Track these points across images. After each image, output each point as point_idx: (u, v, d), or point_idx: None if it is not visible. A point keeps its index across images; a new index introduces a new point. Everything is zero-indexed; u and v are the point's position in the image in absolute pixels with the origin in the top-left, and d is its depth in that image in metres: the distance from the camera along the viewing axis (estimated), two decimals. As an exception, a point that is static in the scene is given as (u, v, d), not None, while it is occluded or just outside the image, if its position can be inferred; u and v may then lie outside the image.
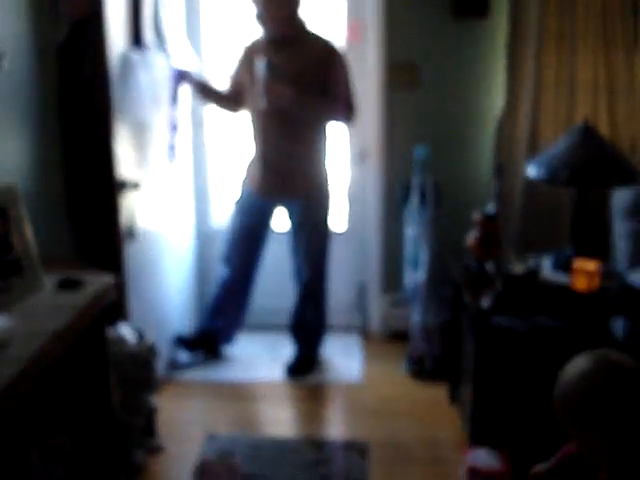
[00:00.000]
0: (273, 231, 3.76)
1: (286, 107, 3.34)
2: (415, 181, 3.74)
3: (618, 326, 3.06)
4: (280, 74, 3.32)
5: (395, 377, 3.70)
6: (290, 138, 3.47)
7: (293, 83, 3.32)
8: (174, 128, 3.53)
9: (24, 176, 2.55)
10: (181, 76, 3.48)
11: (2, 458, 2.06)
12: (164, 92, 3.41)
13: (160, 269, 3.52)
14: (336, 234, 3.90)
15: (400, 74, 3.84)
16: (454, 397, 3.42)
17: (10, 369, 1.57)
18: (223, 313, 3.81)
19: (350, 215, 4.18)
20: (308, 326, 3.81)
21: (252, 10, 3.38)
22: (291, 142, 3.48)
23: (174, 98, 3.49)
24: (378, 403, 3.45)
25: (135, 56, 3.06)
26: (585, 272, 2.86)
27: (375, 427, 3.23)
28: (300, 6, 3.40)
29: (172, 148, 3.53)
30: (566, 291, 2.92)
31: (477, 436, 2.87)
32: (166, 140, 3.49)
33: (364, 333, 4.20)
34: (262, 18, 3.37)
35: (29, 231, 2.03)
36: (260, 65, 3.32)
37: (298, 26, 3.43)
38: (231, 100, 3.63)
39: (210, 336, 3.84)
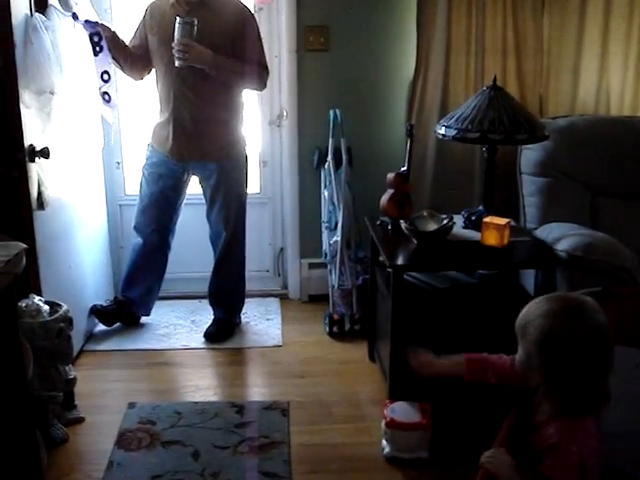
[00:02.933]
0: (186, 196, 3.71)
1: (203, 67, 3.29)
2: (329, 144, 3.75)
3: (529, 279, 3.17)
4: (196, 33, 3.24)
5: (315, 338, 3.74)
6: (204, 100, 3.41)
7: (205, 43, 3.26)
8: (105, 75, 3.42)
9: None
10: (92, 26, 3.35)
11: None
12: (70, 57, 3.30)
13: (72, 239, 3.44)
14: (253, 199, 3.89)
15: (313, 36, 3.82)
16: (373, 355, 3.48)
17: None
18: (139, 282, 3.76)
19: (266, 180, 4.16)
20: (227, 292, 3.79)
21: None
22: (205, 104, 3.41)
23: (95, 47, 3.38)
24: (299, 364, 3.48)
25: (39, 20, 2.94)
26: (495, 227, 2.94)
27: (296, 387, 3.27)
28: None
29: (107, 96, 3.45)
30: (478, 246, 2.99)
31: (396, 391, 2.93)
32: (98, 88, 3.40)
33: (283, 297, 4.22)
34: None
35: None
36: (178, 23, 3.24)
37: None
38: (135, 60, 3.51)
39: (127, 305, 3.79)
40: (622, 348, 2.00)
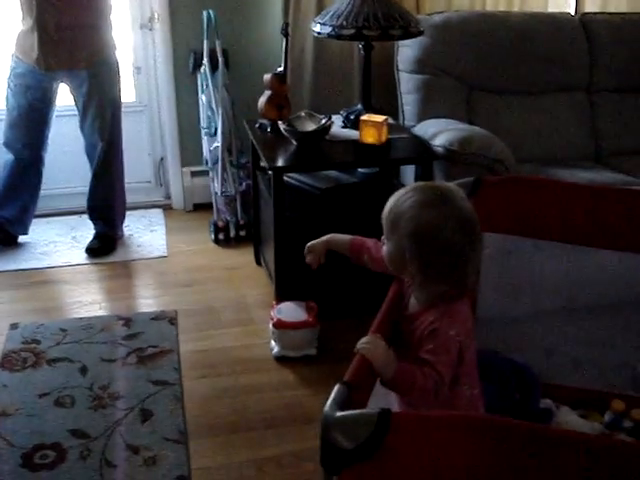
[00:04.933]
0: (57, 108, 3.54)
1: None
2: (205, 46, 3.63)
3: (409, 175, 3.21)
4: None
5: (201, 247, 3.71)
6: (69, 3, 3.23)
7: None
8: None
9: None
10: None
11: None
12: None
13: None
14: (128, 108, 3.75)
15: None
16: (259, 260, 3.49)
17: None
18: (13, 200, 3.60)
19: (141, 87, 4.01)
20: (106, 205, 3.68)
21: None
22: (70, 8, 3.23)
23: None
24: (185, 273, 3.46)
25: None
26: (373, 125, 2.95)
27: (183, 296, 3.26)
28: None
29: None
30: (357, 145, 3.00)
31: (283, 293, 2.96)
32: None
33: (166, 207, 4.14)
34: None
35: None
36: None
37: None
38: None
39: (2, 225, 3.63)
40: (494, 235, 2.07)
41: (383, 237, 1.69)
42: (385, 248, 1.68)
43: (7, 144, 3.50)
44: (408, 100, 3.55)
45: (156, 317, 3.07)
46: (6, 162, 3.54)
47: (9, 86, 3.42)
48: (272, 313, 2.81)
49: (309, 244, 1.97)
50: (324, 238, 1.95)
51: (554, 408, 2.12)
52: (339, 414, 1.19)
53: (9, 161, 3.53)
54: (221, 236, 3.73)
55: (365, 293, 2.72)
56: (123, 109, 3.57)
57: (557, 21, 3.70)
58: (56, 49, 3.30)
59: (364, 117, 2.99)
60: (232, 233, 3.74)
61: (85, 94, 3.43)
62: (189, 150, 4.02)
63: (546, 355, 2.22)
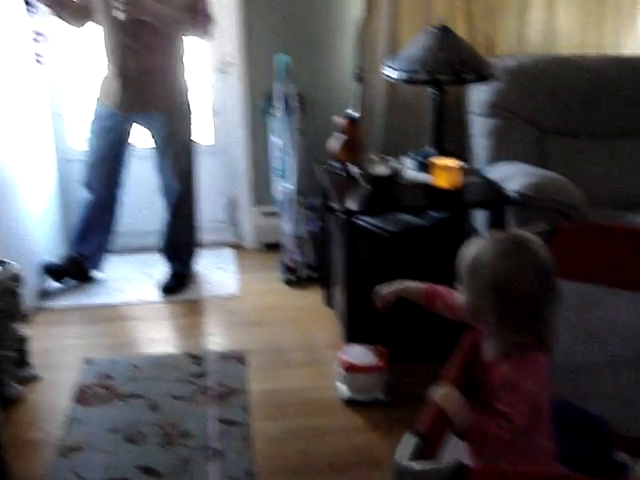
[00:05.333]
0: (134, 148, 3.65)
1: (145, 18, 3.21)
2: (278, 90, 3.70)
3: (481, 220, 3.19)
4: None
5: (270, 287, 3.74)
6: (148, 50, 3.34)
7: None
8: (39, 35, 3.34)
9: None
10: None
11: None
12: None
13: (19, 195, 3.36)
14: (202, 148, 3.83)
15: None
16: (329, 301, 3.50)
17: None
18: (89, 237, 3.70)
19: (215, 128, 4.10)
20: (180, 244, 3.76)
21: None
22: (149, 54, 3.34)
23: (28, 3, 3.30)
24: (255, 313, 3.49)
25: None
26: (446, 169, 2.94)
27: (253, 336, 3.28)
28: None
29: (39, 57, 3.36)
30: (429, 189, 3.00)
31: (352, 336, 2.96)
32: (32, 49, 3.31)
33: (237, 247, 4.19)
34: None
35: None
36: None
37: None
38: (78, 10, 3.41)
39: (78, 262, 3.73)
40: (572, 283, 2.03)
41: (458, 285, 1.68)
42: (462, 297, 1.67)
43: (88, 184, 3.61)
44: (479, 143, 3.54)
45: (226, 356, 3.10)
46: (85, 201, 3.65)
47: (92, 129, 3.55)
48: (341, 356, 2.81)
49: (379, 290, 1.97)
50: (396, 286, 1.95)
51: (630, 462, 2.05)
52: (413, 467, 1.18)
53: (88, 200, 3.64)
54: (291, 276, 3.75)
55: (435, 337, 2.71)
56: (199, 150, 3.66)
57: (633, 64, 3.65)
58: (135, 93, 3.41)
59: (436, 161, 2.99)
60: (302, 274, 3.76)
61: (161, 136, 3.53)
62: (261, 190, 4.08)
63: (623, 406, 2.16)
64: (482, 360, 1.71)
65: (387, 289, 1.95)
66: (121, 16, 3.20)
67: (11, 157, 3.26)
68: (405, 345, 3.00)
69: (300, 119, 3.75)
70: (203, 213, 3.84)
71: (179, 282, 3.73)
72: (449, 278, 1.72)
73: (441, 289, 1.88)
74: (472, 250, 1.65)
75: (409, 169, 3.18)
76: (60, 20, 3.44)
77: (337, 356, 2.85)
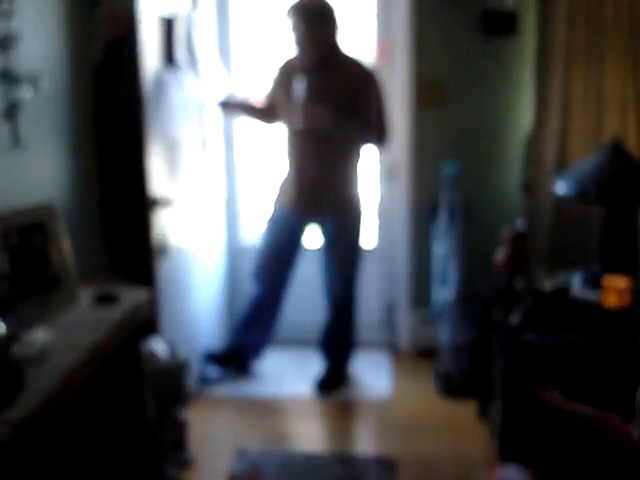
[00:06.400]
0: (304, 248, 3.80)
1: (322, 128, 3.39)
2: (443, 198, 3.75)
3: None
4: (317, 95, 3.36)
5: (424, 394, 3.70)
6: (325, 158, 3.51)
7: (329, 105, 3.36)
8: (203, 146, 3.63)
9: (62, 193, 2.62)
10: (224, 105, 3.66)
11: (39, 469, 2.09)
12: (194, 110, 3.48)
13: (191, 285, 3.56)
14: (366, 251, 3.92)
15: (428, 92, 3.87)
16: (483, 414, 3.41)
17: (49, 380, 1.61)
18: (253, 329, 3.84)
19: (379, 232, 4.19)
20: (338, 342, 3.82)
21: (290, 36, 3.42)
22: (326, 162, 3.51)
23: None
24: (407, 419, 3.46)
25: (168, 75, 3.12)
26: (615, 289, 2.86)
27: (404, 443, 3.24)
28: (338, 33, 3.44)
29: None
30: (596, 308, 2.91)
31: (506, 453, 2.85)
32: (197, 157, 3.56)
33: (393, 350, 4.20)
34: (302, 45, 3.42)
35: (67, 246, 2.09)
36: (298, 86, 3.37)
37: (336, 51, 3.47)
38: (267, 115, 3.68)
39: (240, 352, 3.87)
40: None
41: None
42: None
43: (257, 278, 3.77)
44: (652, 262, 3.41)
45: (376, 462, 3.07)
46: (252, 294, 3.81)
47: (268, 227, 3.74)
48: (494, 474, 2.72)
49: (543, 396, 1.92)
50: (561, 404, 1.89)
51: None
52: None
53: (255, 294, 3.79)
54: (445, 385, 3.70)
55: (589, 465, 2.57)
56: (365, 255, 3.76)
57: None
58: (310, 197, 3.57)
59: (606, 281, 2.91)
60: (456, 383, 3.70)
61: (331, 238, 3.66)
62: (419, 295, 4.10)
63: None
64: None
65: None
66: (298, 126, 3.39)
67: (189, 248, 3.48)
68: (560, 468, 2.85)
69: (464, 227, 3.77)
70: (362, 313, 3.90)
71: (334, 379, 3.78)
72: (608, 399, 1.65)
73: (614, 419, 1.80)
74: None
75: (575, 285, 3.10)
76: (250, 119, 3.73)
77: (490, 474, 2.76)
